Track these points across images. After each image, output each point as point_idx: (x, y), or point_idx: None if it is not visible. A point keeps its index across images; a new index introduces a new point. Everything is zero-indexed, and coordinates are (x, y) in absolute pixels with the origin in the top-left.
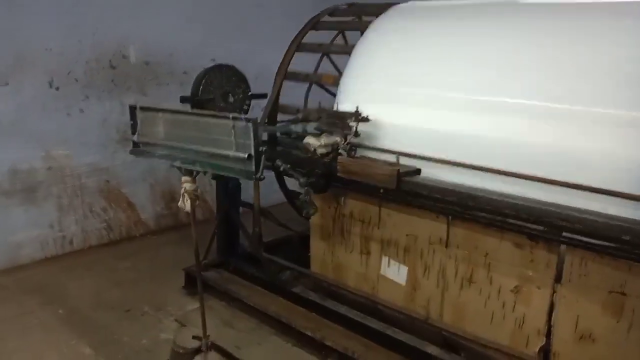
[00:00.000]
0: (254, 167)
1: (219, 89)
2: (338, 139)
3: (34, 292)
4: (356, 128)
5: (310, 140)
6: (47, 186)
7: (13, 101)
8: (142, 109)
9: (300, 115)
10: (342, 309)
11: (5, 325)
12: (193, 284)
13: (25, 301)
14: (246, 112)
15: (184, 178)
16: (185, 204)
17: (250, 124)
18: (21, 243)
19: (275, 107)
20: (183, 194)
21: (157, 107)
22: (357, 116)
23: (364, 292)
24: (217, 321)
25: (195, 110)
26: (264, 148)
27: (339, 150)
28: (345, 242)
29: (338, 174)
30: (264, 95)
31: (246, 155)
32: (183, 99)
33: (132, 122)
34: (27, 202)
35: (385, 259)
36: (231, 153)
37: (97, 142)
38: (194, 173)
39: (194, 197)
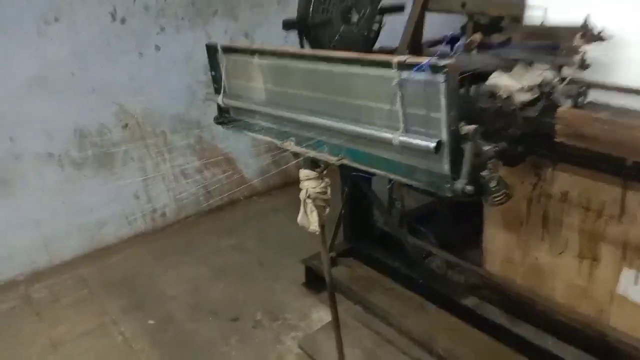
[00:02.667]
0: (448, 165)
1: (338, 3)
2: (550, 75)
3: (119, 289)
4: (583, 55)
5: (502, 80)
6: (125, 149)
7: (68, 43)
8: (227, 50)
9: (473, 38)
10: (550, 343)
11: (78, 345)
12: (315, 279)
13: (108, 304)
14: (374, 36)
15: (303, 172)
16: (310, 218)
17: (442, 78)
18: (102, 221)
19: (419, 28)
20: (305, 200)
21: (250, 47)
22: (587, 32)
23: (584, 316)
24: (357, 351)
25: (316, 52)
26: (469, 128)
27: (552, 96)
28: (549, 238)
29: (557, 139)
30: (399, 8)
31: (432, 145)
32: (287, 24)
33: (212, 73)
34: (103, 170)
35: (630, 273)
36: (395, 136)
37: (181, 88)
38: (321, 165)
39: (324, 204)
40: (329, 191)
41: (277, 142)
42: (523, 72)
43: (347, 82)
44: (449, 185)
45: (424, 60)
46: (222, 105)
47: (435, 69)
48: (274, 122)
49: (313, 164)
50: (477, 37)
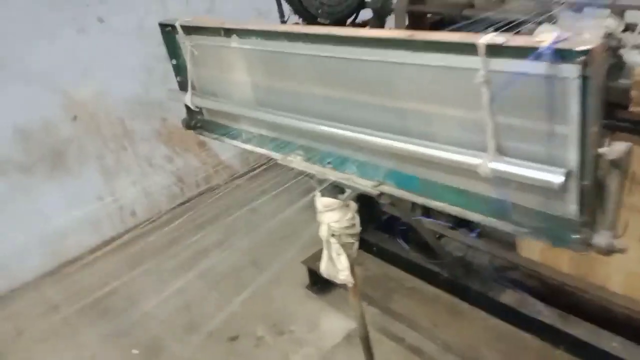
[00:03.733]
0: (577, 206)
1: None
2: (613, 23)
3: (93, 312)
4: None
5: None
6: (78, 144)
7: None
8: (190, 30)
9: None
10: (615, 345)
11: None
12: (321, 280)
13: (83, 334)
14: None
15: (321, 202)
16: (338, 263)
17: (576, 71)
18: (63, 230)
19: None
20: (327, 241)
21: (223, 24)
22: None
23: None
24: None
25: (332, 30)
26: (619, 149)
27: (619, 52)
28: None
29: (632, 108)
30: None
31: (558, 179)
32: None
33: (173, 62)
34: (57, 172)
35: None
36: (483, 163)
37: (135, 66)
38: (346, 191)
39: (353, 241)
40: (357, 222)
41: (277, 158)
42: (574, 22)
43: (388, 74)
44: (577, 236)
45: (544, 40)
46: (192, 107)
47: (564, 55)
48: (269, 129)
49: (334, 188)
50: None
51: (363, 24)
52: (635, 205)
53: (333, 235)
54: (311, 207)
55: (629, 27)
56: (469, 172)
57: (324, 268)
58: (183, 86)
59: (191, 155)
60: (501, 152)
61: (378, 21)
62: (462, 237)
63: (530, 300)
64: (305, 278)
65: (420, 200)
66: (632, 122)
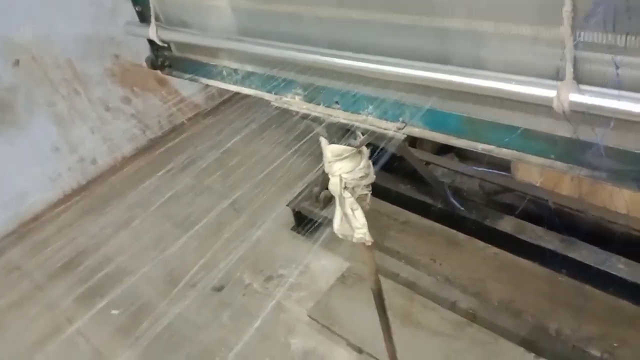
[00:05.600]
0: None
1: None
2: None
3: (64, 272)
4: None
5: None
6: (25, 93)
7: None
8: None
9: None
10: (621, 267)
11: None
12: (307, 220)
13: (56, 297)
14: None
15: (330, 149)
16: (354, 220)
17: None
18: (22, 189)
19: None
20: (341, 195)
21: None
22: None
23: None
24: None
25: None
26: None
27: None
28: None
29: None
30: None
31: None
32: None
33: None
34: (5, 128)
35: None
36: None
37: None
38: (358, 135)
39: (367, 192)
40: (372, 170)
41: (271, 99)
42: None
43: None
44: None
45: None
46: (158, 41)
47: None
48: (257, 63)
49: (344, 133)
50: None
51: None
52: None
53: (346, 187)
54: (288, 143)
55: None
56: (531, 105)
57: (338, 227)
58: (144, 17)
59: (150, 95)
60: (583, 80)
61: None
62: (451, 163)
63: (529, 225)
64: (290, 219)
65: (461, 143)
66: None
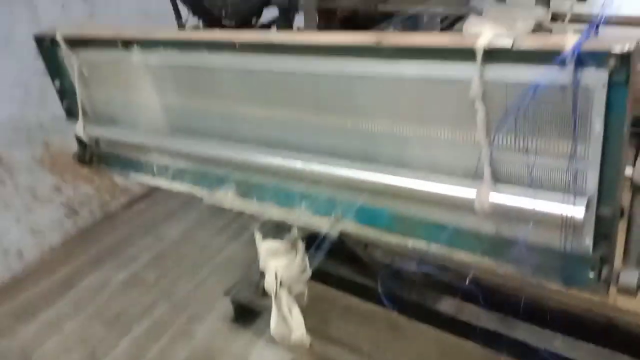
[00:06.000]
0: (591, 240)
1: None
2: (541, 12)
3: None
4: None
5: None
6: None
7: None
8: (76, 42)
9: None
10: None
11: None
12: (247, 311)
13: None
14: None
15: (265, 246)
16: (291, 320)
17: (604, 78)
18: None
19: None
20: (276, 293)
21: (120, 34)
22: None
23: (587, 302)
24: None
25: (268, 38)
26: None
27: None
28: None
29: None
30: None
31: (580, 213)
32: None
33: (56, 83)
34: None
35: None
36: (481, 195)
37: (7, 83)
38: (293, 230)
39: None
40: (308, 264)
41: (203, 195)
42: (503, 14)
43: (348, 88)
44: (594, 275)
45: (564, 41)
46: (85, 139)
47: (593, 59)
48: (189, 160)
49: (278, 227)
50: None
51: (269, 24)
52: None
53: (281, 284)
54: (223, 228)
55: (555, 17)
56: (456, 204)
57: (275, 329)
58: (71, 112)
59: (82, 181)
60: (500, 179)
61: (285, 19)
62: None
63: (467, 306)
64: (228, 309)
65: (392, 239)
66: None
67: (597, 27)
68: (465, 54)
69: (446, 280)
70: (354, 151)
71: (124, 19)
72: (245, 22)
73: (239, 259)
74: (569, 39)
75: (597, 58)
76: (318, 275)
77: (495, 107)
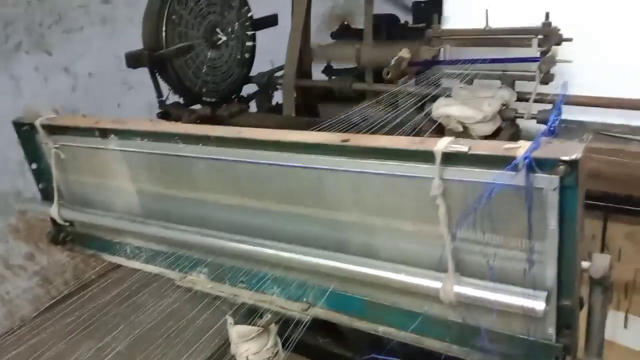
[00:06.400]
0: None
1: (197, 20)
2: (507, 94)
3: None
4: (550, 63)
5: (453, 109)
6: None
7: None
8: (54, 129)
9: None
10: None
11: None
12: None
13: None
14: (250, 58)
15: (236, 331)
16: None
17: (555, 182)
18: None
19: (305, 43)
20: None
21: (98, 123)
22: (550, 32)
23: None
24: None
25: (241, 133)
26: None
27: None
28: None
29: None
30: (272, 20)
31: (540, 305)
32: (132, 59)
33: (33, 167)
34: None
35: (618, 315)
36: (446, 287)
37: None
38: (267, 314)
39: None
40: (280, 348)
41: (176, 277)
42: (470, 95)
43: (317, 182)
44: None
45: (517, 147)
46: (60, 221)
47: (544, 165)
48: (162, 243)
49: (250, 313)
50: (405, 53)
51: (248, 98)
52: None
53: None
54: (199, 298)
55: (521, 97)
56: (423, 293)
57: None
58: (47, 195)
59: (57, 250)
60: (464, 272)
61: (264, 96)
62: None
63: None
64: None
65: (363, 325)
66: None
67: (554, 128)
68: (425, 156)
69: (429, 351)
70: (323, 240)
71: (105, 91)
72: (225, 98)
73: (214, 330)
74: (521, 147)
75: (548, 164)
76: (296, 347)
77: (456, 204)
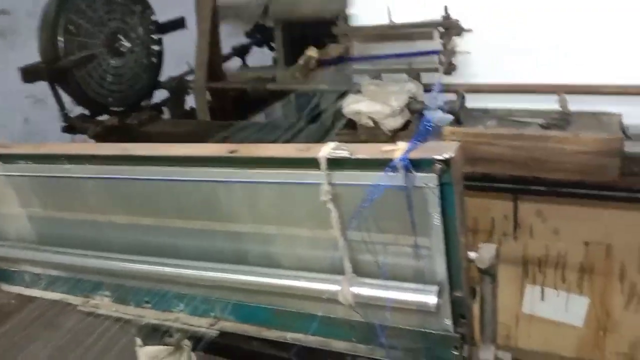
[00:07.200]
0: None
1: (96, 28)
2: (414, 87)
3: None
4: (451, 54)
5: (363, 105)
6: None
7: None
8: None
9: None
10: None
11: None
12: None
13: None
14: (158, 62)
15: (144, 352)
16: None
17: (434, 180)
18: None
19: (215, 46)
20: None
21: None
22: (450, 25)
23: None
24: None
25: (125, 149)
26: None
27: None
28: None
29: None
30: (179, 24)
31: (432, 300)
32: (29, 73)
33: None
34: None
35: (535, 289)
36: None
37: None
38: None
39: None
40: None
41: (78, 302)
42: (379, 90)
43: (210, 194)
44: (457, 353)
45: (395, 149)
46: None
47: (421, 164)
48: (60, 269)
49: (158, 333)
50: (313, 52)
51: (160, 105)
52: None
53: None
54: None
55: (427, 89)
56: (325, 297)
57: None
58: None
59: None
60: (361, 272)
61: (176, 101)
62: None
63: None
64: None
65: (272, 334)
66: None
67: (426, 134)
68: (312, 162)
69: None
70: (223, 253)
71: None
72: (134, 106)
73: (122, 353)
74: (399, 148)
75: (425, 164)
76: (228, 350)
77: (348, 206)
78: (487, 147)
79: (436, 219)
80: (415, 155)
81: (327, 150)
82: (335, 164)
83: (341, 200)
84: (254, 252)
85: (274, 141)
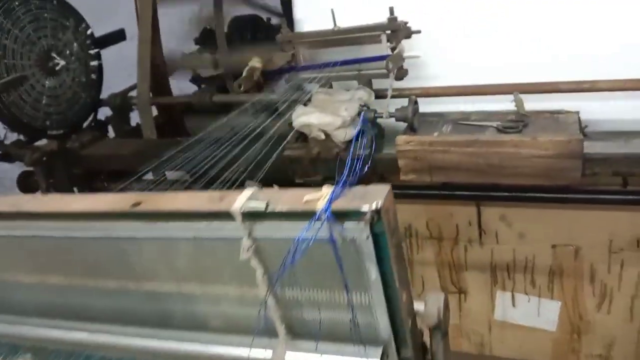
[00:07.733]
0: None
1: (25, 48)
2: (365, 94)
3: None
4: (399, 59)
5: (313, 117)
6: None
7: None
8: None
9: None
10: None
11: None
12: None
13: None
14: (97, 78)
15: None
16: None
17: (366, 231)
18: None
19: (158, 54)
20: None
21: None
22: (398, 28)
23: (466, 355)
24: None
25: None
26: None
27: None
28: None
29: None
30: (119, 36)
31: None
32: None
33: None
34: None
35: (505, 295)
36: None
37: None
38: None
39: None
40: None
41: None
42: (329, 99)
43: (120, 251)
44: None
45: (317, 199)
46: None
47: (347, 215)
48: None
49: None
50: (257, 62)
51: (104, 123)
52: (426, 259)
53: None
54: None
55: (379, 95)
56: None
57: None
58: None
59: None
60: (297, 333)
61: (120, 118)
62: None
63: None
64: None
65: None
66: (402, 188)
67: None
68: (227, 215)
69: None
70: (143, 314)
71: None
72: (74, 128)
73: None
74: (322, 197)
75: (352, 214)
76: None
77: (275, 260)
78: (443, 155)
79: (373, 273)
80: (339, 205)
81: (241, 201)
82: (252, 215)
83: (266, 254)
84: (179, 313)
85: (224, 158)
